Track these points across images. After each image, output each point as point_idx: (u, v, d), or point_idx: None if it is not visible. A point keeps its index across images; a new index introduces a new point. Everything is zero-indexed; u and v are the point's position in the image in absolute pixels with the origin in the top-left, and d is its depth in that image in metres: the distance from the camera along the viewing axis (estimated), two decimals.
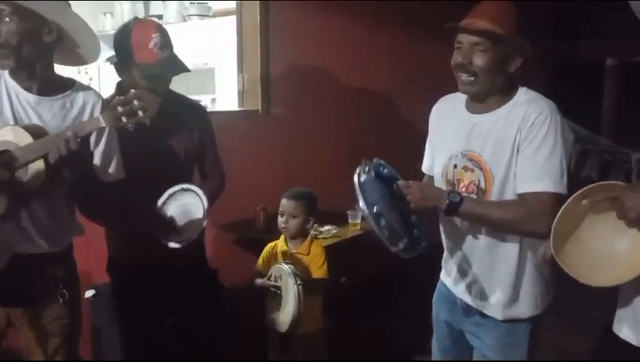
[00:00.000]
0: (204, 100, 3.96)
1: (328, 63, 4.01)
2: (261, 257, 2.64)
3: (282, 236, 2.62)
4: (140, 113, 1.67)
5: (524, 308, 1.84)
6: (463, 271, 1.90)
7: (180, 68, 2.13)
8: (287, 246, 2.59)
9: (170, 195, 2.13)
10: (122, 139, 2.02)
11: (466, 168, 1.80)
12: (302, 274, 2.44)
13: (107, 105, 1.80)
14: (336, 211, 3.34)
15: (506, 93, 1.77)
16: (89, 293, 2.64)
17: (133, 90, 1.69)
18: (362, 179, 1.64)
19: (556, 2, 6.56)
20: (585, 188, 1.48)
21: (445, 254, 2.01)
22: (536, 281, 1.83)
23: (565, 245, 1.53)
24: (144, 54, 2.02)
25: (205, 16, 4.54)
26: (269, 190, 2.98)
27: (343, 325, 3.32)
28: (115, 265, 2.33)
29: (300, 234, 2.58)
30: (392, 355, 3.39)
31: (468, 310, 1.92)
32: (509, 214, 1.70)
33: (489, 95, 1.77)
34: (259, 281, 2.55)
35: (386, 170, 1.76)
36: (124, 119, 1.67)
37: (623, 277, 1.50)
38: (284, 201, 2.57)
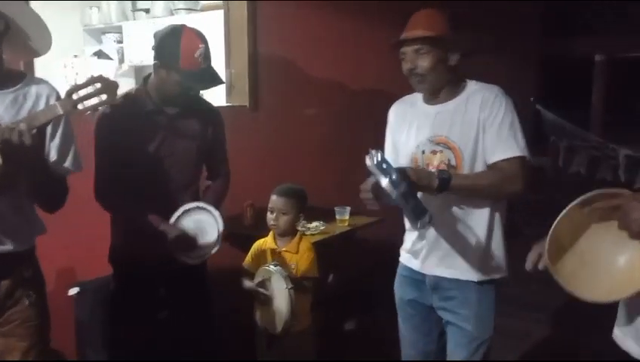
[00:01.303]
0: None
1: (317, 58, 3.99)
2: (249, 255, 2.61)
3: (271, 233, 2.60)
4: (99, 99, 1.63)
5: (496, 269, 2.06)
6: (433, 247, 2.07)
7: (217, 80, 2.21)
8: (275, 244, 2.57)
9: (186, 211, 2.21)
10: (143, 134, 2.19)
11: (434, 151, 2.02)
12: (291, 272, 2.42)
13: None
14: (324, 207, 3.32)
15: (456, 84, 2.04)
16: (73, 291, 2.61)
17: (92, 75, 1.65)
18: (378, 158, 1.72)
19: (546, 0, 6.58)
20: (586, 195, 1.38)
21: (410, 239, 2.17)
22: (504, 243, 2.07)
23: (562, 255, 1.45)
24: (189, 61, 2.09)
25: (193, 10, 4.49)
26: (256, 186, 2.96)
27: (331, 322, 3.30)
28: (116, 254, 2.37)
29: (290, 232, 2.56)
30: (380, 352, 3.38)
31: (437, 287, 2.10)
32: (490, 180, 1.94)
33: (441, 88, 2.03)
34: (247, 284, 2.52)
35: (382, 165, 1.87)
36: (80, 106, 1.62)
37: (620, 293, 1.41)
38: (274, 198, 2.54)
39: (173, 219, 2.21)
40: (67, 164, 1.85)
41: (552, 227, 1.42)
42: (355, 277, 3.89)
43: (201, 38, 2.15)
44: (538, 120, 6.31)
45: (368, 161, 1.71)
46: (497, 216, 2.04)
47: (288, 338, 2.51)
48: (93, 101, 1.63)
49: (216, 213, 2.19)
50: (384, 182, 1.66)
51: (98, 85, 1.63)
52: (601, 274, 1.43)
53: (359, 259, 3.88)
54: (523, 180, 1.92)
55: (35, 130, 1.59)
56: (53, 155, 1.82)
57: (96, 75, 2.11)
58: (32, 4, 2.55)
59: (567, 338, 3.70)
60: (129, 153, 2.18)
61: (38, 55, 1.90)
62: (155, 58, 2.18)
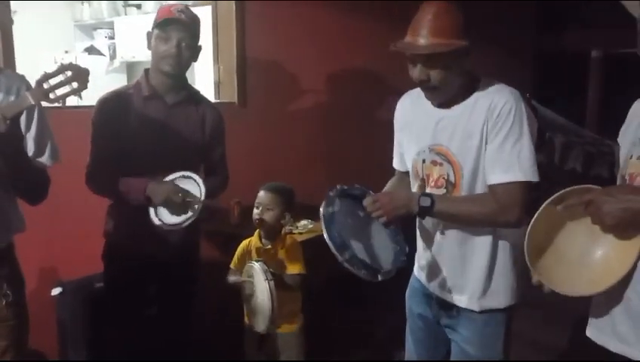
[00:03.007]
0: None
1: (305, 54, 3.96)
2: (236, 255, 2.59)
3: (256, 232, 2.57)
4: (70, 87, 1.61)
5: (500, 298, 1.87)
6: (435, 267, 1.92)
7: (182, 22, 2.20)
8: (260, 242, 2.54)
9: (171, 181, 2.19)
10: (141, 121, 2.22)
11: (434, 162, 1.83)
12: (277, 269, 2.39)
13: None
14: (313, 204, 3.26)
15: (468, 85, 1.79)
16: (55, 291, 2.59)
17: (62, 63, 1.64)
18: (328, 213, 1.66)
19: None
20: (558, 193, 1.40)
21: (419, 250, 2.03)
22: (510, 272, 1.86)
23: (540, 253, 1.48)
24: (164, 12, 2.20)
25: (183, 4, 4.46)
26: (243, 183, 2.92)
27: (321, 321, 3.27)
28: (111, 251, 2.37)
29: (274, 229, 2.52)
30: (370, 350, 3.37)
31: (444, 304, 1.95)
32: (481, 208, 1.73)
33: (455, 93, 1.79)
34: (232, 278, 2.51)
35: (355, 191, 1.79)
36: (52, 95, 1.60)
37: (599, 286, 1.43)
38: (261, 193, 2.52)
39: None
40: (45, 155, 1.86)
41: (529, 227, 1.42)
42: (344, 275, 3.86)
43: (184, 5, 2.28)
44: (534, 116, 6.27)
45: (321, 209, 1.67)
46: (503, 240, 1.83)
47: (279, 339, 2.50)
48: (65, 90, 1.62)
49: (200, 180, 2.16)
50: (327, 238, 1.61)
51: (69, 73, 1.60)
52: (579, 269, 1.46)
53: None
54: (520, 210, 1.68)
55: (8, 121, 1.58)
56: (30, 147, 1.82)
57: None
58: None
59: (559, 337, 3.67)
60: (124, 138, 2.21)
61: None
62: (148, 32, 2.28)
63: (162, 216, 2.15)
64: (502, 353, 1.91)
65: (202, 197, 2.13)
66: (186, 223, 2.13)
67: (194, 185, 2.16)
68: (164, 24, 2.17)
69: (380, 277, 1.65)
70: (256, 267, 2.33)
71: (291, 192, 2.58)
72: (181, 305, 2.45)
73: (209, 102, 2.51)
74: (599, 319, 1.56)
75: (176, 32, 2.17)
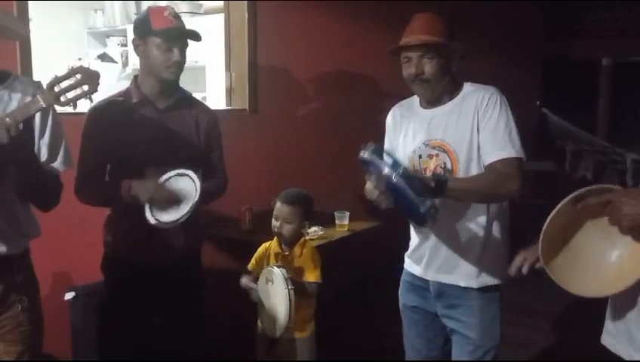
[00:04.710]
0: None
1: (316, 61, 3.98)
2: (254, 257, 2.60)
3: (275, 237, 2.57)
4: (81, 90, 1.61)
5: (495, 273, 2.05)
6: (435, 254, 2.07)
7: (192, 34, 2.25)
8: (280, 248, 2.54)
9: (166, 180, 2.15)
10: (132, 128, 2.20)
11: (430, 156, 2.03)
12: (294, 275, 2.39)
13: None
14: (324, 211, 3.30)
15: (454, 88, 2.05)
16: (69, 295, 2.60)
17: (72, 66, 1.64)
18: (371, 150, 1.75)
19: (551, 1, 6.53)
20: (577, 192, 1.38)
21: (413, 245, 2.19)
22: (502, 249, 2.07)
23: (554, 252, 1.46)
24: (160, 21, 2.17)
25: (196, 13, 4.48)
26: (254, 189, 2.95)
27: (332, 327, 3.28)
28: (109, 262, 2.35)
29: (294, 239, 2.53)
30: (380, 356, 3.36)
31: (441, 294, 2.10)
32: (486, 181, 1.94)
33: (441, 92, 2.04)
34: (243, 281, 2.52)
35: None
36: (63, 98, 1.60)
37: (611, 289, 1.43)
38: (279, 205, 2.50)
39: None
40: (58, 161, 1.85)
41: (545, 224, 1.41)
42: (355, 282, 3.87)
43: (168, 6, 2.27)
44: (544, 123, 6.26)
45: (363, 153, 1.74)
46: (496, 221, 2.04)
47: (290, 345, 2.50)
48: (76, 92, 1.62)
49: (195, 176, 2.11)
50: (384, 168, 1.67)
51: (79, 76, 1.60)
52: (592, 269, 1.46)
53: (358, 264, 3.85)
54: (519, 180, 1.91)
55: (21, 125, 1.58)
56: (44, 153, 1.82)
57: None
58: (39, 6, 2.57)
59: (569, 345, 3.66)
60: (116, 146, 2.19)
61: None
62: (133, 37, 2.24)
63: (157, 215, 2.10)
64: (499, 337, 2.08)
65: (197, 195, 2.08)
66: (181, 220, 2.08)
67: (189, 182, 2.12)
68: (165, 33, 2.16)
69: (428, 203, 1.65)
70: (277, 273, 2.33)
71: (310, 201, 2.57)
72: (186, 311, 2.41)
73: (203, 104, 2.48)
74: (615, 327, 1.55)
75: (178, 40, 2.18)
